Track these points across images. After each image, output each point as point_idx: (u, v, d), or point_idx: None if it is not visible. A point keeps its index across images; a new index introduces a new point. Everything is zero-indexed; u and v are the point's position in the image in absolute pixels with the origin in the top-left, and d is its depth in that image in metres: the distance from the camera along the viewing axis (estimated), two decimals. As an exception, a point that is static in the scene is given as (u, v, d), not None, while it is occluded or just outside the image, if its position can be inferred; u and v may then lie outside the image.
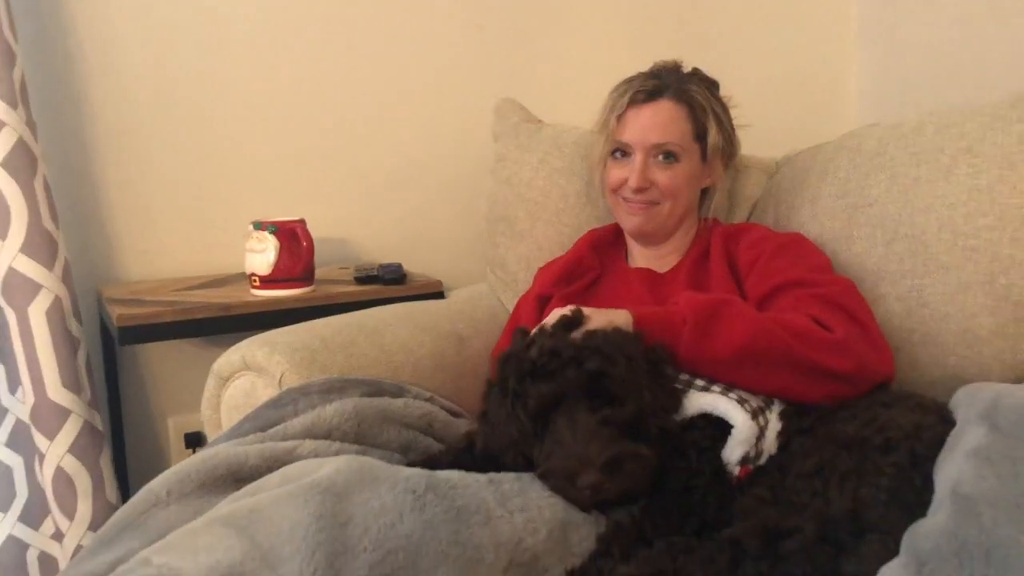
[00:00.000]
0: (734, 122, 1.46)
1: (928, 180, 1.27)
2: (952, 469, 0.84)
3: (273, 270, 1.54)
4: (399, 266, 1.69)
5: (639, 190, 1.35)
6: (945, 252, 1.23)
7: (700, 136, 1.36)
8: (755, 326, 1.09)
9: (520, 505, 0.93)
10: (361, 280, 1.65)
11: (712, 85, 1.42)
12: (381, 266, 1.69)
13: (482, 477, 0.97)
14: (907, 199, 1.28)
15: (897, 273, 1.27)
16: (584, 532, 0.95)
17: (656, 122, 1.35)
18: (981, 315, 1.20)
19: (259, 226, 1.55)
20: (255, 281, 1.56)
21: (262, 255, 1.54)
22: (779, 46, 2.15)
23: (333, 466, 0.94)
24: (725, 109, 1.41)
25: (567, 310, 1.11)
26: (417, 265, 1.81)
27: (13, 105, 1.46)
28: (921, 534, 0.81)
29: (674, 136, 1.35)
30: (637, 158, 1.36)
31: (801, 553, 0.90)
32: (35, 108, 1.53)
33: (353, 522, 0.85)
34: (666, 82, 1.38)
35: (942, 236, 1.23)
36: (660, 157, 1.35)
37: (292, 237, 1.55)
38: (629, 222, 1.41)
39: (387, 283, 1.64)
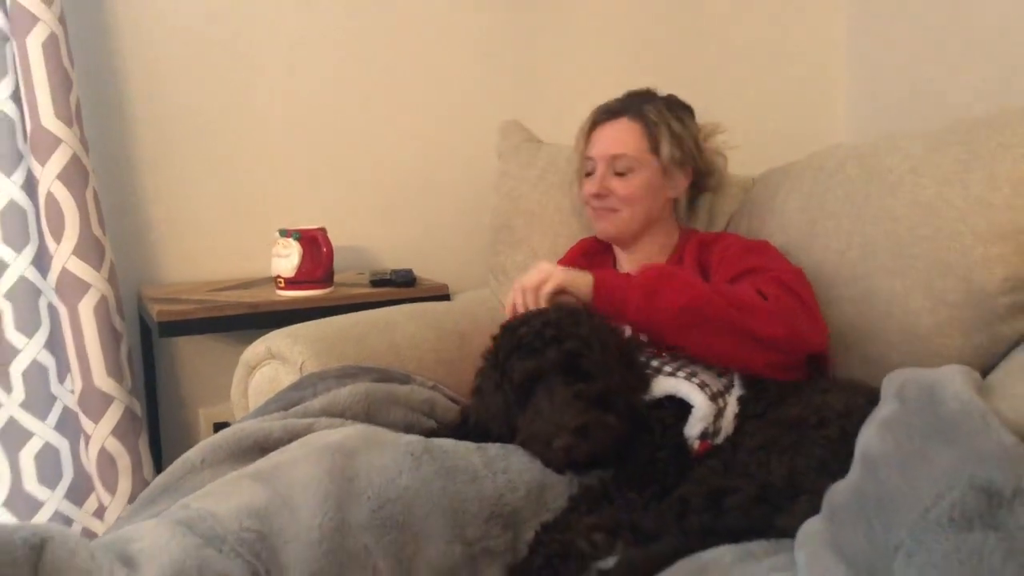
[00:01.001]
0: (720, 145, 1.63)
1: (878, 195, 1.42)
2: (864, 437, 0.98)
3: (296, 273, 1.71)
4: (410, 271, 1.86)
5: (598, 196, 1.53)
6: (891, 260, 1.38)
7: (655, 150, 1.53)
8: (697, 292, 1.24)
9: (503, 468, 1.09)
10: (375, 283, 1.82)
11: (680, 107, 1.59)
12: (393, 271, 1.86)
13: (472, 445, 1.13)
14: (859, 212, 1.43)
15: (850, 278, 1.42)
16: (558, 492, 1.11)
17: (613, 137, 1.54)
18: (922, 315, 1.34)
19: (284, 233, 1.71)
20: (280, 282, 1.72)
21: (287, 259, 1.71)
22: (772, 70, 2.31)
23: (344, 432, 1.10)
24: (687, 127, 1.56)
25: (543, 270, 1.29)
26: (426, 270, 1.98)
27: (69, 124, 1.65)
28: (835, 491, 0.97)
29: (628, 148, 1.52)
30: (598, 169, 1.53)
31: (740, 509, 1.05)
32: (87, 127, 1.72)
33: (359, 477, 1.01)
34: (627, 104, 1.56)
35: (888, 245, 1.38)
36: (616, 169, 1.53)
37: (313, 243, 1.72)
38: (597, 227, 1.58)
39: (399, 286, 1.81)
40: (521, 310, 1.29)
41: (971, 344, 1.31)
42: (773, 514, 1.04)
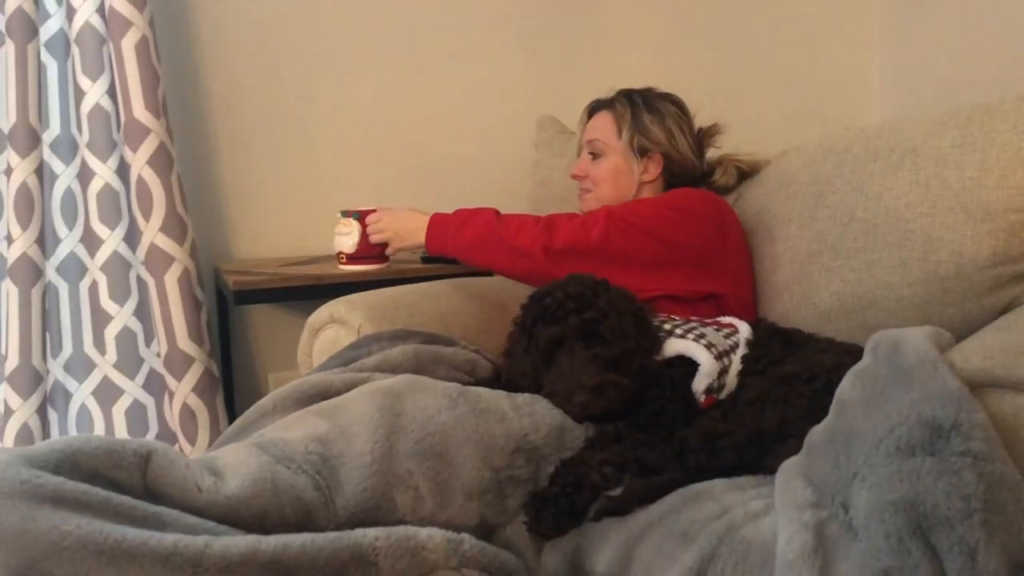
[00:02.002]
0: (716, 139, 1.79)
1: (880, 174, 1.55)
2: (840, 386, 1.13)
3: (356, 249, 1.86)
4: (457, 250, 2.04)
5: (575, 177, 1.77)
6: (890, 233, 1.51)
7: (618, 134, 1.72)
8: (484, 229, 1.61)
9: (528, 412, 1.26)
10: (425, 260, 2.00)
11: (660, 101, 1.76)
12: (443, 251, 2.05)
13: (502, 392, 1.30)
14: (863, 189, 1.56)
15: (852, 249, 1.55)
16: (576, 435, 1.27)
17: (591, 126, 1.77)
18: (916, 285, 1.47)
19: (345, 214, 1.89)
20: (342, 258, 1.90)
21: (347, 237, 1.87)
22: (806, 58, 2.42)
23: (393, 379, 1.28)
24: (656, 118, 1.73)
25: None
26: (472, 248, 2.16)
27: (157, 116, 1.86)
28: (814, 432, 1.11)
29: (598, 135, 1.74)
30: (581, 154, 1.77)
31: (732, 450, 1.21)
32: (172, 119, 1.93)
33: (405, 414, 1.19)
34: (608, 99, 1.78)
35: (888, 220, 1.51)
36: (591, 154, 1.74)
37: None
38: (579, 207, 1.78)
39: (446, 263, 1.99)
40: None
41: (961, 313, 1.44)
42: (762, 455, 1.19)
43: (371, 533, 1.02)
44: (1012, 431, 0.99)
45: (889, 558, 0.90)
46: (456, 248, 1.65)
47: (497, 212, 1.65)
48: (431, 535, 1.06)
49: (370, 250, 1.85)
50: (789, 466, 1.10)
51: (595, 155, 1.75)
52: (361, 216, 1.86)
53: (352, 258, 1.87)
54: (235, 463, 1.07)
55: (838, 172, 1.63)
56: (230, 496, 1.01)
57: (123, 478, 0.98)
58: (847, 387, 1.11)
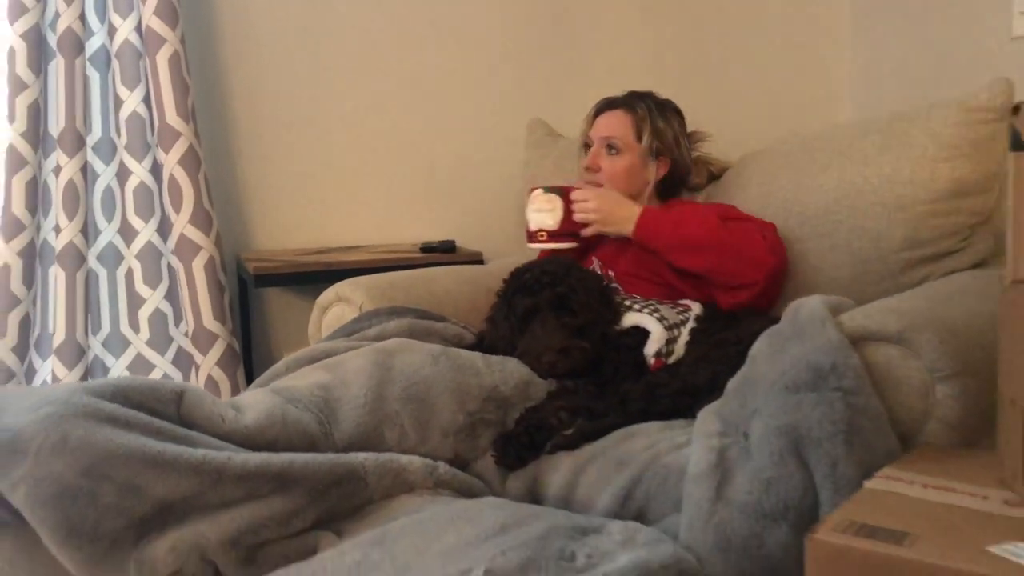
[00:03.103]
0: (700, 144, 2.01)
1: (814, 174, 1.76)
2: (755, 343, 1.35)
3: (560, 226, 1.79)
4: (452, 241, 2.28)
5: (588, 169, 1.90)
6: (820, 224, 1.72)
7: (639, 138, 1.89)
8: (706, 233, 1.68)
9: (499, 368, 1.49)
10: (424, 250, 2.24)
11: (668, 109, 1.95)
12: (440, 242, 2.28)
13: (479, 354, 1.54)
14: (799, 187, 1.78)
15: (792, 239, 1.77)
16: (540, 388, 1.50)
17: (607, 123, 1.91)
18: (842, 268, 1.69)
19: (547, 190, 1.81)
20: (542, 236, 1.81)
21: (550, 214, 1.80)
22: (778, 55, 2.64)
23: (387, 342, 1.52)
24: (670, 125, 1.93)
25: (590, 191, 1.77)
26: (466, 241, 2.39)
27: (187, 121, 2.11)
28: (731, 381, 1.34)
29: (616, 132, 1.89)
30: (594, 147, 1.91)
31: (668, 398, 1.43)
32: (200, 124, 2.18)
33: (395, 368, 1.42)
34: (625, 99, 1.93)
35: (819, 213, 1.72)
36: (607, 149, 1.89)
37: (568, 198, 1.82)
38: None
39: (442, 252, 2.23)
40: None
41: (880, 291, 1.65)
42: (695, 404, 1.42)
43: (362, 456, 1.25)
44: (882, 373, 1.21)
45: (772, 470, 1.12)
46: (667, 246, 1.71)
47: (718, 216, 1.72)
48: (411, 460, 1.29)
49: (573, 227, 1.80)
50: (708, 408, 1.32)
51: (611, 152, 1.89)
52: (564, 192, 1.81)
53: (554, 235, 1.81)
54: (252, 402, 1.31)
55: (782, 173, 1.85)
56: (248, 426, 1.25)
57: (162, 409, 1.22)
58: (758, 344, 1.33)
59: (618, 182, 1.88)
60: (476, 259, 2.25)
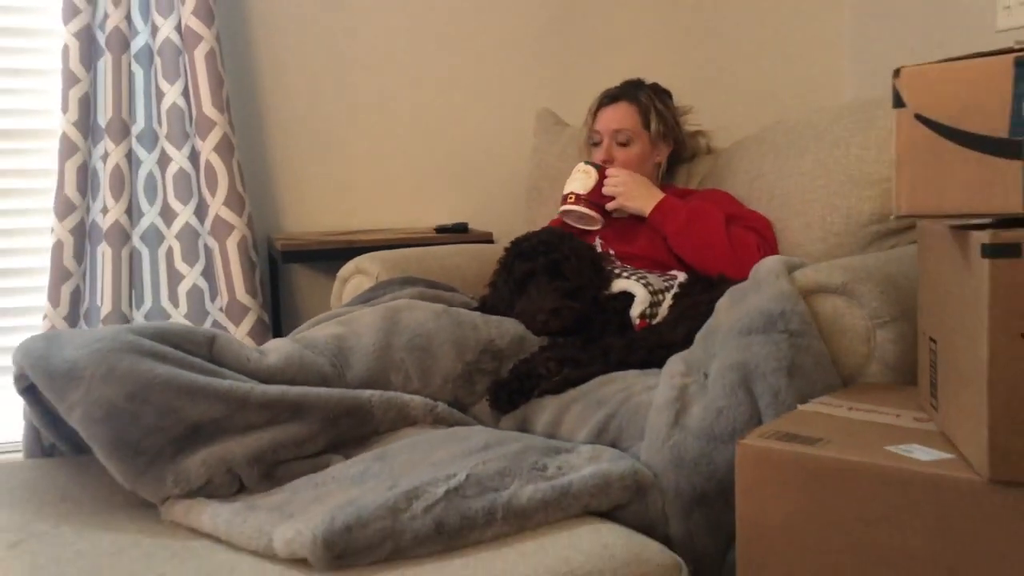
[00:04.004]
0: (691, 123, 2.17)
1: (793, 157, 1.92)
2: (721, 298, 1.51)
3: (589, 193, 1.95)
4: (465, 224, 2.45)
5: (604, 163, 2.06)
6: (798, 203, 1.88)
7: (647, 126, 2.06)
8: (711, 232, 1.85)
9: (496, 325, 1.66)
10: (438, 230, 2.42)
11: (663, 93, 2.12)
12: (454, 224, 2.46)
13: (477, 313, 1.71)
14: (780, 170, 1.93)
15: (775, 218, 1.91)
16: (533, 343, 1.66)
17: (614, 116, 2.06)
18: (816, 242, 1.84)
19: (588, 163, 2.00)
20: (571, 197, 1.97)
21: (584, 180, 1.97)
22: (781, 46, 2.79)
23: (395, 301, 1.70)
24: (668, 108, 2.09)
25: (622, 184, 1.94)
26: (477, 223, 2.56)
27: (222, 112, 2.30)
28: (699, 331, 1.50)
29: (625, 124, 2.05)
30: (604, 141, 2.07)
31: (645, 351, 1.59)
32: (234, 114, 2.37)
33: (401, 323, 1.59)
34: (624, 90, 2.09)
35: (797, 193, 1.88)
36: (618, 140, 2.06)
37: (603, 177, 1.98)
38: None
39: (456, 233, 2.41)
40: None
41: (850, 261, 1.80)
42: (669, 356, 1.57)
43: (369, 392, 1.43)
44: (830, 321, 1.37)
45: (724, 400, 1.28)
46: (676, 232, 1.88)
47: (724, 219, 1.86)
48: (413, 398, 1.46)
49: (600, 199, 1.96)
50: (676, 355, 1.48)
51: (622, 143, 2.04)
52: (601, 168, 1.99)
53: (580, 199, 1.97)
54: (275, 347, 1.50)
55: (766, 160, 2.00)
56: (270, 366, 1.43)
57: (195, 350, 1.40)
58: (722, 299, 1.49)
59: (633, 169, 2.02)
60: (487, 239, 2.42)
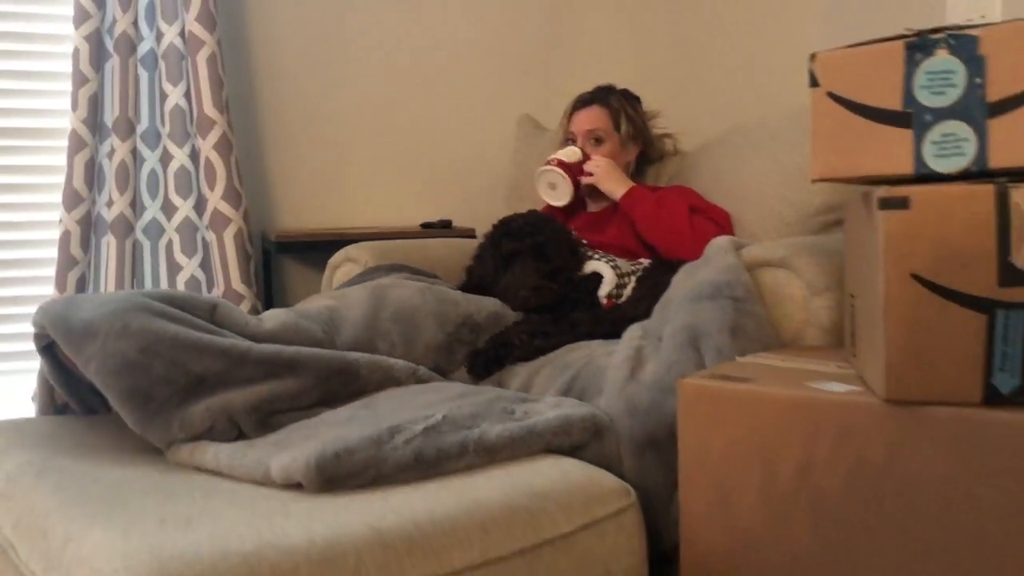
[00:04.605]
0: (659, 127, 2.34)
1: (750, 158, 2.07)
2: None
3: (571, 164, 2.16)
4: (449, 220, 2.61)
5: None
6: (754, 197, 2.02)
7: (617, 128, 2.23)
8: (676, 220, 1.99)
9: (476, 301, 1.81)
10: (424, 226, 2.57)
11: (632, 98, 2.29)
12: (438, 220, 2.62)
13: (458, 292, 1.86)
14: (738, 168, 2.09)
15: (733, 210, 2.07)
16: (508, 319, 1.82)
17: (588, 118, 2.24)
18: (771, 232, 1.97)
19: (579, 148, 2.20)
20: (553, 161, 2.16)
21: (571, 154, 2.18)
22: (754, 51, 2.95)
23: (381, 280, 1.85)
24: (637, 112, 2.27)
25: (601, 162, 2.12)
26: (461, 220, 2.72)
27: (221, 112, 2.46)
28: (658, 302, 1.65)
29: (598, 124, 2.22)
30: (579, 141, 2.23)
31: (610, 323, 1.74)
32: (232, 115, 2.53)
33: (388, 297, 1.74)
34: (596, 95, 2.26)
35: (754, 189, 2.02)
36: (592, 140, 2.22)
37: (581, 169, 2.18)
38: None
39: (440, 228, 2.56)
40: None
41: (800, 249, 1.96)
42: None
43: (357, 354, 1.57)
44: (771, 291, 1.52)
45: (674, 356, 1.43)
46: (644, 216, 2.03)
47: (688, 209, 2.01)
48: (397, 362, 1.60)
49: (579, 174, 2.16)
50: (636, 323, 1.64)
51: (596, 141, 2.23)
52: (587, 154, 2.20)
53: (562, 164, 2.16)
54: (271, 315, 1.64)
55: (725, 159, 2.16)
56: (267, 331, 1.57)
57: (199, 314, 1.54)
58: (677, 274, 1.65)
59: None
60: (469, 234, 2.57)
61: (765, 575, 1.15)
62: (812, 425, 1.10)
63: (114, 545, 0.96)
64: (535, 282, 1.84)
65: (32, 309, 2.46)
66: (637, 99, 2.31)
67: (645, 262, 2.00)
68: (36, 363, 2.30)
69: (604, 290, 1.90)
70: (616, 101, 2.25)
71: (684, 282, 1.58)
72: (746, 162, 2.09)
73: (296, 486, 1.21)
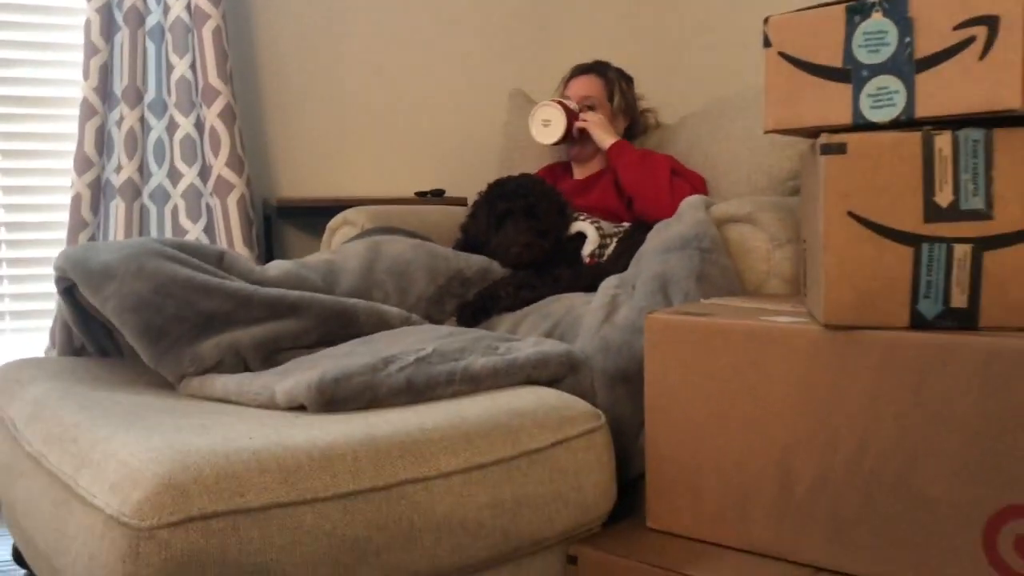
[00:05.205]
0: (643, 104, 2.47)
1: (725, 126, 2.20)
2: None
3: (567, 105, 2.31)
4: (442, 190, 2.73)
5: None
6: (729, 164, 2.15)
7: (610, 99, 2.36)
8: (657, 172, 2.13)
9: (466, 258, 1.93)
10: (418, 195, 2.70)
11: (625, 77, 2.42)
12: (432, 189, 2.74)
13: (449, 249, 1.98)
14: (714, 137, 2.22)
15: (709, 177, 2.20)
16: (496, 275, 1.94)
17: (584, 85, 2.38)
18: (744, 196, 2.13)
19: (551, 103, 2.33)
20: (556, 100, 2.34)
21: (571, 102, 2.36)
22: (734, 30, 3.09)
23: (377, 236, 1.97)
24: (629, 89, 2.40)
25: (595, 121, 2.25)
26: (453, 189, 2.84)
27: (226, 83, 2.57)
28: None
29: (593, 92, 2.36)
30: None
31: (590, 278, 1.87)
32: (236, 85, 2.64)
33: (382, 252, 1.87)
34: (595, 66, 2.41)
35: (728, 157, 2.15)
36: (586, 107, 2.34)
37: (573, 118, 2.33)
38: (569, 152, 2.40)
39: (434, 196, 2.68)
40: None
41: (771, 213, 2.09)
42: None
43: (354, 300, 1.69)
44: (738, 244, 1.65)
45: (645, 301, 1.56)
46: (628, 165, 2.17)
47: (672, 165, 2.17)
48: (391, 308, 1.73)
49: (574, 118, 2.31)
50: (613, 275, 1.76)
51: (591, 108, 2.35)
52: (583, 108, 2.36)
53: (561, 104, 2.31)
54: (275, 265, 1.77)
55: (703, 129, 2.29)
56: (271, 278, 1.70)
57: (208, 261, 1.66)
58: (652, 230, 1.77)
59: None
60: (461, 203, 2.69)
61: (720, 487, 1.28)
62: (760, 351, 1.23)
63: (139, 443, 1.08)
64: (526, 239, 1.97)
65: (44, 270, 2.61)
66: (630, 79, 2.45)
67: (626, 225, 2.12)
68: (49, 321, 2.44)
69: (587, 249, 2.02)
70: (612, 74, 2.39)
71: (657, 236, 1.70)
72: (722, 131, 2.22)
73: (299, 408, 1.34)
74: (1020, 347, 1.05)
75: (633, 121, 2.45)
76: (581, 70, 2.44)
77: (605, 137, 2.24)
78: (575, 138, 2.33)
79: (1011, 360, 1.05)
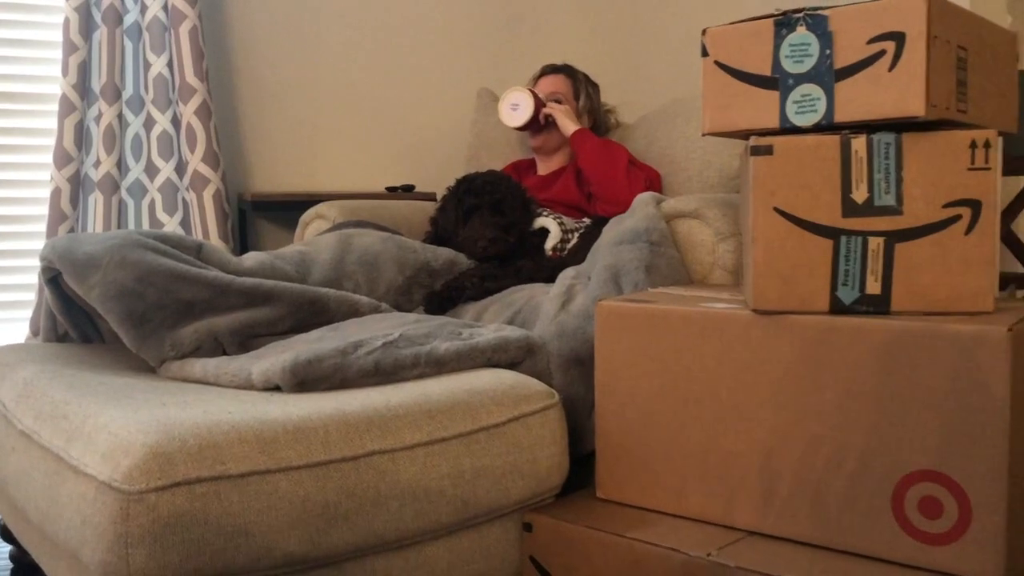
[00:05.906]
0: (608, 109, 2.59)
1: (680, 127, 2.32)
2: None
3: (534, 95, 2.40)
4: (412, 185, 2.84)
5: None
6: (682, 161, 2.27)
7: (576, 97, 2.48)
8: (615, 160, 2.24)
9: (433, 250, 2.04)
10: (388, 189, 2.80)
11: (590, 82, 2.54)
12: (402, 185, 2.84)
13: (417, 242, 2.09)
14: (669, 135, 2.34)
15: (664, 172, 2.33)
16: (462, 267, 2.05)
17: (553, 82, 2.49)
18: (695, 192, 2.25)
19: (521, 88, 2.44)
20: (521, 87, 2.45)
21: (539, 89, 2.49)
22: (691, 32, 3.22)
23: (348, 229, 2.07)
24: (596, 94, 2.52)
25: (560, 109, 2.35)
26: (423, 185, 2.95)
27: (202, 81, 2.65)
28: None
29: (561, 89, 2.47)
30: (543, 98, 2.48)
31: (550, 270, 1.98)
32: (212, 83, 2.73)
33: (353, 245, 1.97)
34: (564, 68, 2.53)
35: (682, 154, 2.28)
36: (554, 102, 2.45)
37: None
38: (533, 143, 2.51)
39: (404, 191, 2.78)
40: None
41: (722, 208, 2.21)
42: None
43: (326, 289, 1.79)
44: (685, 238, 1.77)
45: (598, 290, 1.67)
46: (587, 150, 2.28)
47: (630, 157, 2.28)
48: (361, 298, 1.83)
49: (541, 104, 2.41)
50: (571, 267, 1.88)
51: (558, 103, 2.44)
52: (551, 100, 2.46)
53: (531, 91, 2.42)
54: (250, 256, 1.86)
55: (659, 129, 2.41)
56: (247, 268, 1.79)
57: (187, 252, 1.75)
58: (607, 225, 1.89)
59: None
60: (430, 197, 2.80)
61: (662, 459, 1.40)
62: (697, 334, 1.34)
63: (127, 417, 1.18)
64: (492, 234, 2.07)
65: (24, 262, 2.68)
66: (596, 86, 2.57)
67: (587, 221, 2.24)
68: (29, 312, 2.52)
69: (550, 243, 2.14)
70: (581, 77, 2.52)
71: (611, 230, 1.82)
72: (677, 131, 2.34)
73: (274, 389, 1.44)
74: (918, 329, 1.17)
75: (596, 124, 2.56)
76: (551, 69, 2.56)
77: (569, 124, 2.36)
78: (541, 124, 2.43)
79: (911, 342, 1.17)
